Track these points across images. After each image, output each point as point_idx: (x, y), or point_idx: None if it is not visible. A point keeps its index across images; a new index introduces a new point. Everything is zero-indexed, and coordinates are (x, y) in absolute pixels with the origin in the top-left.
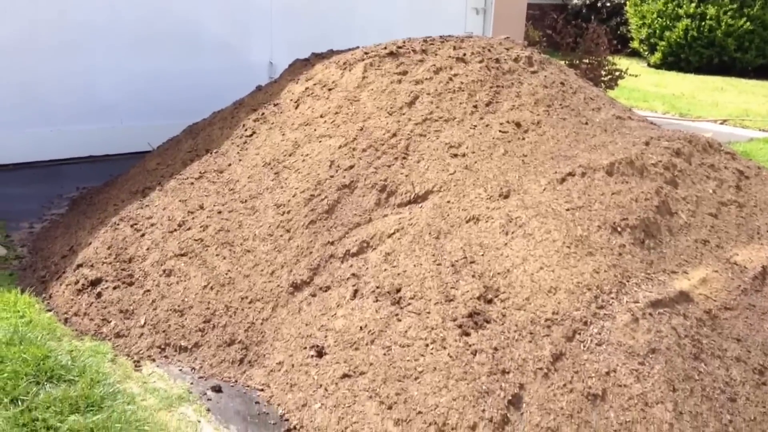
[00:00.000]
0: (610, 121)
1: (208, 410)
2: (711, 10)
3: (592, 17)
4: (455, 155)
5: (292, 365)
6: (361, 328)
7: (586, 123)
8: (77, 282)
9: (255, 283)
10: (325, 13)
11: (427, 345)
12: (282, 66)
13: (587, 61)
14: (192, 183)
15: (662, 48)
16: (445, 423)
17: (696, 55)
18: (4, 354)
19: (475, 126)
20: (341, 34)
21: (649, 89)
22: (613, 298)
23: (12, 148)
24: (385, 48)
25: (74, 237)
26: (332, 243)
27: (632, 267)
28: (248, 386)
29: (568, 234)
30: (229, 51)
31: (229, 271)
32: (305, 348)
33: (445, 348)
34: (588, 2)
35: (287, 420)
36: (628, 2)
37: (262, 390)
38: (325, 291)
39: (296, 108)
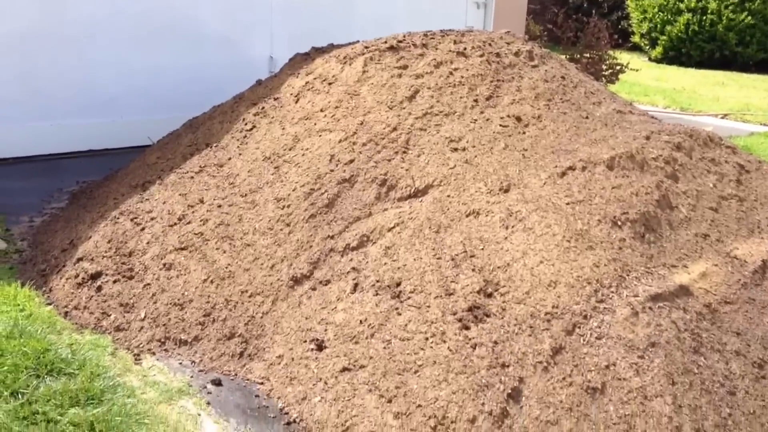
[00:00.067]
0: (611, 116)
1: (208, 403)
2: (712, 5)
3: (593, 11)
4: (455, 149)
5: (292, 359)
6: (361, 321)
7: (587, 117)
8: (77, 275)
9: (255, 276)
10: (326, 7)
11: (426, 339)
12: (282, 60)
13: (588, 55)
14: (192, 177)
15: (663, 42)
16: (445, 416)
17: (697, 49)
18: (4, 347)
19: (476, 120)
20: (341, 29)
21: (650, 83)
22: (612, 292)
23: (12, 142)
24: (386, 42)
25: (74, 231)
26: (332, 237)
27: (632, 261)
28: (248, 380)
29: (569, 228)
30: (229, 45)
31: (229, 264)
32: (305, 341)
33: (444, 342)
34: None
35: (287, 413)
36: None
37: (262, 383)
38: (325, 285)
39: (296, 102)
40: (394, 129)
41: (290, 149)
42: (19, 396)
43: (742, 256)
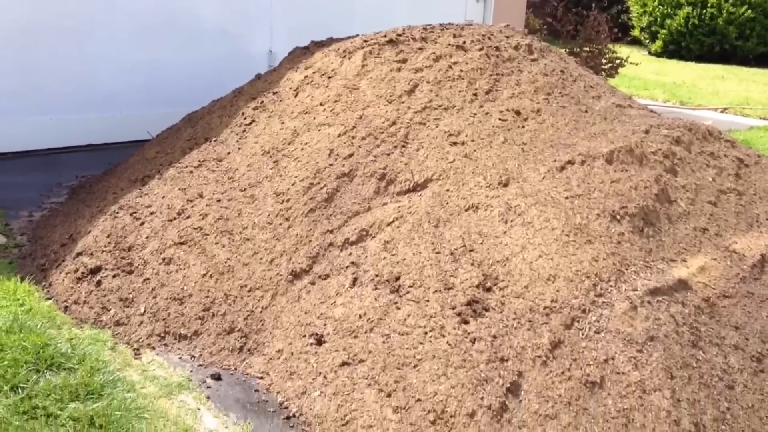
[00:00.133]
0: (610, 110)
1: (208, 398)
2: None
3: (593, 5)
4: (455, 143)
5: (292, 353)
6: (360, 316)
7: (586, 111)
8: (77, 270)
9: (254, 271)
10: (325, 1)
11: (426, 333)
12: (281, 54)
13: (588, 49)
14: (191, 171)
15: (663, 36)
16: (444, 410)
17: (697, 43)
18: (4, 342)
19: (475, 114)
20: (341, 22)
21: (649, 77)
22: (611, 286)
23: (11, 137)
24: (385, 36)
25: (74, 225)
26: (331, 231)
27: (631, 255)
28: (248, 374)
29: (567, 222)
30: (228, 39)
31: (228, 259)
32: (304, 336)
33: (443, 336)
34: None
35: (286, 408)
36: None
37: (261, 378)
38: (325, 279)
39: (295, 96)
40: (393, 123)
41: (289, 143)
42: (19, 390)
43: (741, 250)
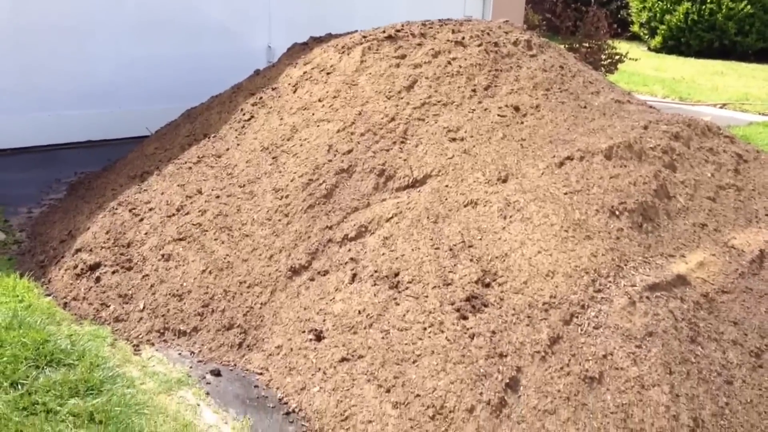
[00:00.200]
0: (609, 105)
1: (208, 394)
2: None
3: (592, 1)
4: (453, 139)
5: (291, 349)
6: (359, 311)
7: (585, 107)
8: (76, 267)
9: (253, 267)
10: None
11: (425, 328)
12: (280, 50)
13: (587, 45)
14: (190, 168)
15: (662, 32)
16: (443, 406)
17: (696, 38)
18: (3, 338)
19: (474, 110)
20: (340, 18)
21: (649, 73)
22: (610, 282)
23: (10, 133)
24: (384, 32)
25: (73, 222)
26: (330, 227)
27: (630, 251)
28: (247, 370)
29: (566, 218)
30: (227, 35)
31: (227, 255)
32: (304, 332)
33: (443, 331)
34: None
35: (286, 403)
36: None
37: (261, 374)
38: (324, 275)
39: (294, 92)
40: (392, 119)
41: (288, 139)
42: (19, 387)
43: (740, 245)
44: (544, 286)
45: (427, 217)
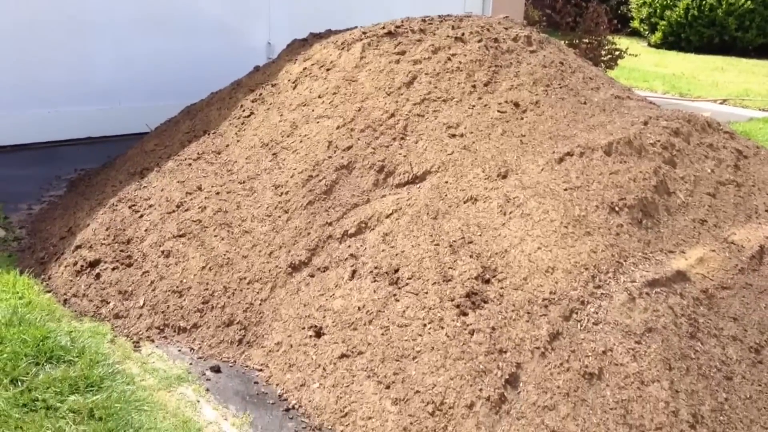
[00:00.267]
0: (609, 101)
1: (207, 390)
2: None
3: None
4: (453, 135)
5: (291, 345)
6: (359, 308)
7: (585, 103)
8: (76, 263)
9: (253, 263)
10: None
11: (424, 325)
12: (280, 46)
13: (587, 40)
14: (190, 164)
15: (663, 27)
16: (443, 402)
17: (696, 34)
18: (3, 335)
19: (474, 106)
20: (340, 14)
21: (649, 69)
22: (610, 278)
23: (10, 130)
24: (384, 28)
25: (73, 218)
26: (330, 224)
27: (629, 247)
28: (247, 366)
29: (566, 214)
30: (227, 31)
31: (227, 252)
32: (304, 328)
33: (442, 328)
34: None
35: (286, 400)
36: None
37: (261, 370)
38: (324, 271)
39: (294, 88)
40: (392, 115)
41: (288, 136)
42: (19, 383)
43: (740, 241)
44: (543, 282)
45: (427, 214)
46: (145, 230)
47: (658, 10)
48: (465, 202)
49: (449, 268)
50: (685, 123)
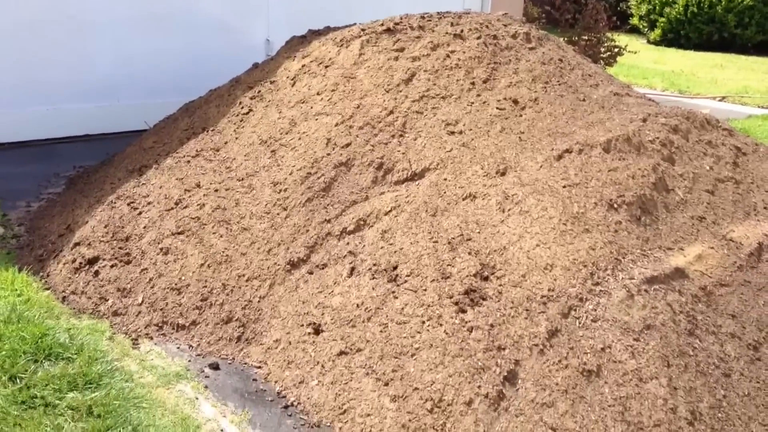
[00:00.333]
0: (608, 98)
1: (206, 387)
2: None
3: None
4: (452, 133)
5: (290, 342)
6: (357, 305)
7: (584, 100)
8: (74, 260)
9: (252, 261)
10: None
11: (423, 322)
12: (279, 43)
13: (586, 37)
14: (188, 161)
15: (662, 24)
16: (441, 399)
17: (696, 31)
18: (2, 332)
19: (473, 103)
20: (339, 11)
21: (648, 66)
22: (608, 275)
23: (9, 127)
24: (382, 25)
25: (71, 216)
26: (329, 221)
27: (628, 244)
28: (246, 363)
29: (565, 211)
30: (225, 29)
31: (226, 249)
32: (302, 325)
33: (441, 325)
34: None
35: (284, 397)
36: None
37: (259, 367)
38: (322, 269)
39: (293, 85)
40: (391, 112)
41: (287, 133)
42: (18, 380)
43: (738, 238)
44: (542, 280)
45: (426, 211)
46: (144, 227)
47: (657, 7)
48: (464, 200)
49: (448, 265)
50: (684, 120)
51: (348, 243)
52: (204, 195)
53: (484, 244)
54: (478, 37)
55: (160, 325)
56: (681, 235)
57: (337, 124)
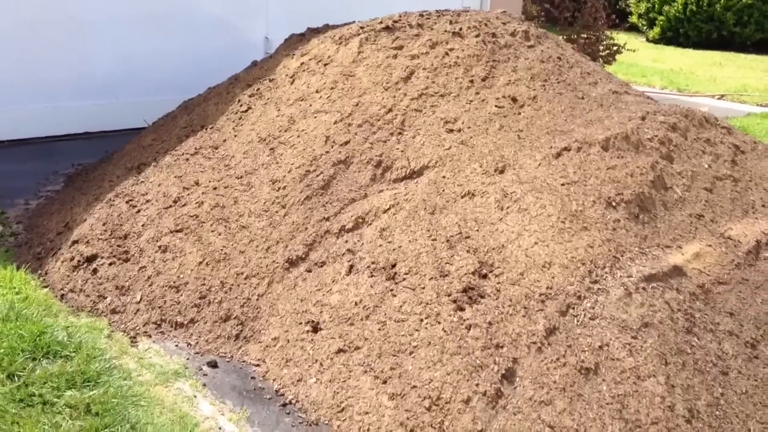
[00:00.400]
0: (607, 96)
1: (204, 385)
2: None
3: None
4: (451, 130)
5: (288, 340)
6: (356, 303)
7: (582, 98)
8: (73, 258)
9: (250, 258)
10: None
11: (421, 320)
12: (278, 41)
13: (585, 35)
14: (187, 159)
15: (661, 22)
16: (440, 397)
17: (695, 29)
18: (0, 330)
19: (471, 101)
20: (338, 9)
21: (647, 64)
22: (606, 273)
23: (8, 124)
24: (381, 22)
25: (70, 213)
26: (327, 219)
27: (626, 242)
28: (244, 361)
29: (563, 209)
30: (225, 26)
31: (224, 247)
32: (301, 323)
33: (439, 323)
34: None
35: (283, 395)
36: None
37: (257, 365)
38: (321, 266)
39: (291, 83)
40: (390, 110)
41: (285, 131)
42: (16, 378)
43: (736, 236)
44: (540, 277)
45: (425, 209)
46: (142, 225)
47: (656, 5)
48: (462, 197)
49: (446, 263)
50: (683, 118)
51: (347, 241)
52: (203, 193)
53: (483, 242)
54: (477, 35)
55: (158, 323)
56: (679, 233)
57: (335, 122)
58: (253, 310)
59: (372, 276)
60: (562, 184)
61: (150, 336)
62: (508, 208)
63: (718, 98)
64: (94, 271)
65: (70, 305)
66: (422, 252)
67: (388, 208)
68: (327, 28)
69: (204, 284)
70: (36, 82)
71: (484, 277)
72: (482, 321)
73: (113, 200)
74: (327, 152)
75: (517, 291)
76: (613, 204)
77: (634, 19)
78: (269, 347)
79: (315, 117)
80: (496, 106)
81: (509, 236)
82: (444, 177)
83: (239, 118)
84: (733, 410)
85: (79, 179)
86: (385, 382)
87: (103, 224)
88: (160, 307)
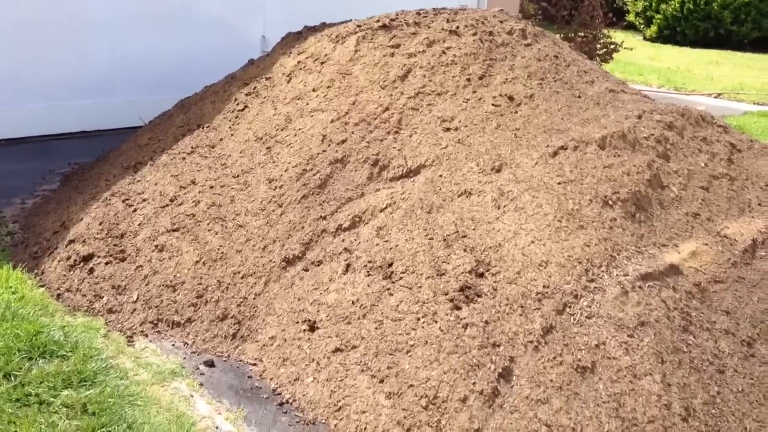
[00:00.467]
0: (603, 95)
1: (201, 384)
2: None
3: None
4: (448, 129)
5: (285, 340)
6: (353, 302)
7: (579, 96)
8: (69, 258)
9: (247, 258)
10: None
11: (418, 319)
12: (275, 39)
13: (582, 34)
14: (184, 158)
15: (658, 21)
16: (436, 396)
17: (692, 28)
18: None
19: (468, 100)
20: (335, 7)
21: (644, 63)
22: (603, 272)
23: (4, 123)
24: (378, 21)
25: (66, 213)
26: (324, 218)
27: (623, 240)
28: (241, 361)
29: (560, 208)
30: (221, 25)
31: (221, 246)
32: (297, 322)
33: (436, 322)
34: None
35: (280, 394)
36: None
37: (254, 364)
38: (318, 266)
39: (288, 82)
40: (387, 109)
41: (282, 129)
42: (12, 378)
43: (732, 235)
44: (537, 276)
45: (421, 208)
46: (139, 224)
47: (653, 4)
48: (459, 196)
49: (443, 262)
50: (679, 117)
51: (343, 240)
52: (199, 192)
53: (479, 241)
54: (474, 34)
55: (155, 322)
56: (675, 232)
57: (332, 121)
58: (249, 310)
59: (369, 275)
60: (559, 183)
61: (147, 335)
62: (504, 206)
63: (715, 97)
64: (91, 270)
65: (67, 305)
66: (419, 251)
67: (385, 207)
68: (324, 26)
69: (201, 283)
70: (34, 81)
71: (481, 276)
72: (479, 320)
73: (110, 199)
74: (324, 151)
75: (513, 290)
76: (610, 203)
77: (631, 17)
78: (266, 346)
79: (312, 116)
80: (492, 104)
81: (506, 235)
82: (441, 176)
83: (236, 117)
84: (729, 408)
85: (76, 178)
86: (382, 381)
87: (100, 223)
88: (156, 307)
